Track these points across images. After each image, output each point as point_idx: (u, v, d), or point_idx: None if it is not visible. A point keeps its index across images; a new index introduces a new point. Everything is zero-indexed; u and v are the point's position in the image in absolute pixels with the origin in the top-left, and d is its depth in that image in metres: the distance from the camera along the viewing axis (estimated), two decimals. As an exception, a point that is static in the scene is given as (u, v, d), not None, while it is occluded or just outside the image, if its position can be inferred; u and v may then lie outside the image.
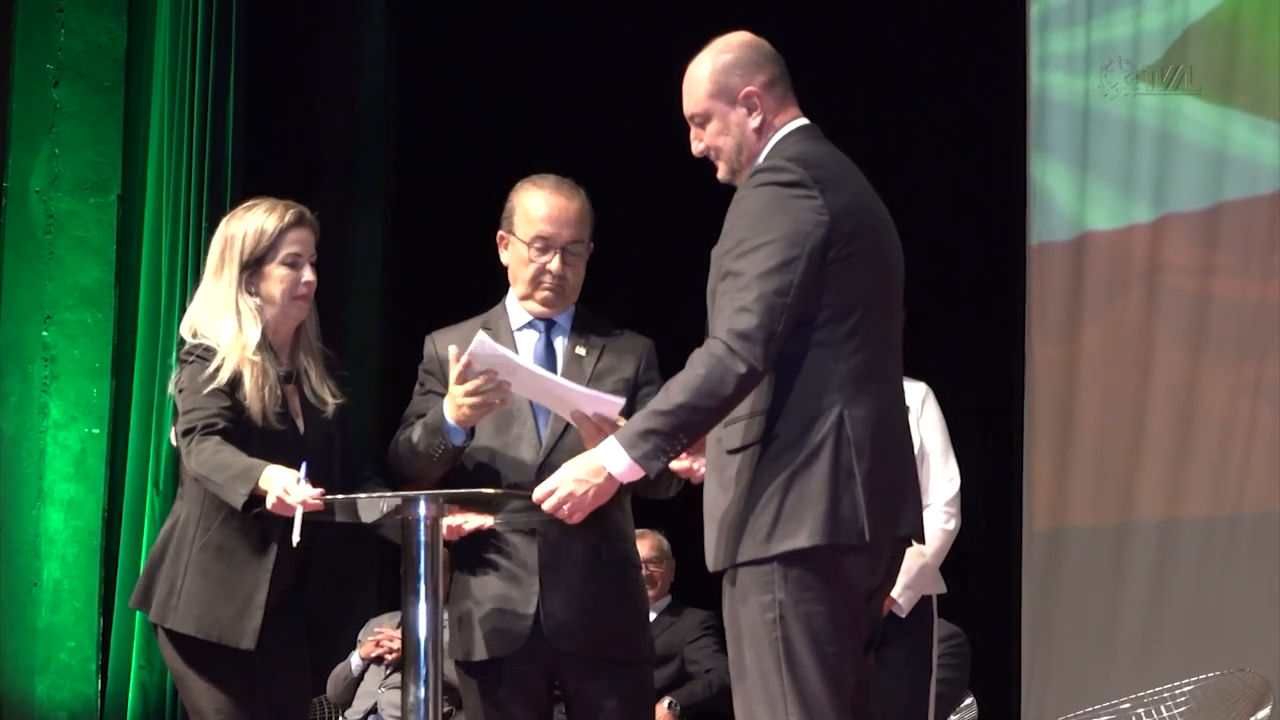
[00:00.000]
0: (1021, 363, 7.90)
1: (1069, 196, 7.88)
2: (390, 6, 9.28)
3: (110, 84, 8.57)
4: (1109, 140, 7.75)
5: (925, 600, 5.52)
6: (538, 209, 4.49)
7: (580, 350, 4.51)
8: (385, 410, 8.93)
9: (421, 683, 4.27)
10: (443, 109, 9.59)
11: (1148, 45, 7.66)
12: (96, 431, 8.20)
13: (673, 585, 7.50)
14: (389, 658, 7.65)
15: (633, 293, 7.94)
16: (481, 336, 4.26)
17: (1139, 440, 7.53)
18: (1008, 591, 7.94)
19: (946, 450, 5.52)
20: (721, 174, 4.03)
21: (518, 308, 4.56)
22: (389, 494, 4.40)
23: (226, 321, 4.47)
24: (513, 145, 9.11)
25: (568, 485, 3.90)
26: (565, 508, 3.90)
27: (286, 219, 4.49)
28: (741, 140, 3.99)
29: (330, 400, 4.56)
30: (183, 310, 8.11)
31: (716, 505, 3.84)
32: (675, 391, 3.76)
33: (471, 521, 4.40)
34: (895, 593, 5.28)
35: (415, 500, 4.24)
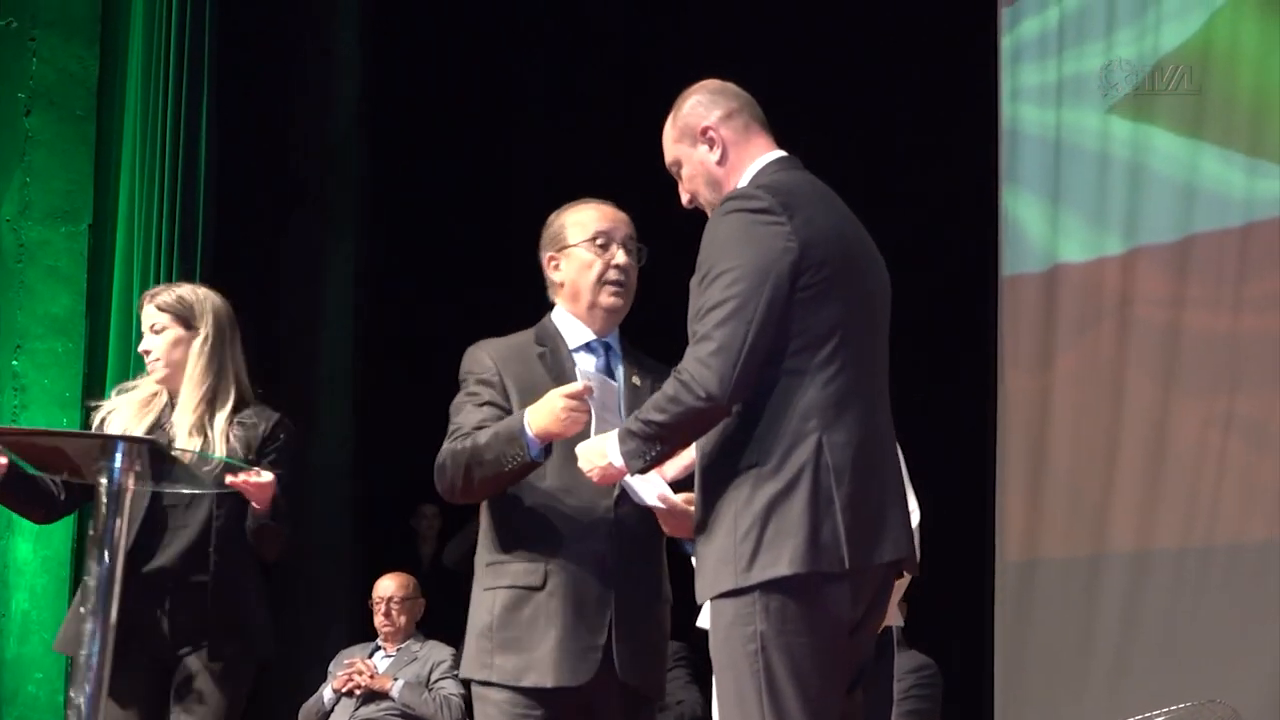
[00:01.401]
0: (993, 393, 7.92)
1: (1040, 228, 7.91)
2: (363, 34, 9.30)
3: (82, 113, 8.55)
4: (1080, 172, 7.78)
5: (885, 632, 5.52)
6: (589, 214, 4.52)
7: (636, 380, 4.48)
8: (358, 430, 8.95)
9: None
10: (416, 136, 9.61)
11: (1111, 94, 7.68)
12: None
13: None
14: (358, 692, 7.65)
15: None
16: (586, 368, 4.26)
17: (1110, 471, 7.54)
18: (980, 622, 7.95)
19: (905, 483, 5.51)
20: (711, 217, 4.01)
21: (575, 327, 4.50)
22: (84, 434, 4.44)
23: None
24: (486, 174, 9.13)
25: (581, 460, 4.00)
26: (587, 473, 3.98)
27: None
28: (709, 177, 4.04)
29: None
30: (153, 339, 8.16)
31: (703, 536, 3.85)
32: (649, 407, 3.84)
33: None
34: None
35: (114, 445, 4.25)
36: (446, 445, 4.35)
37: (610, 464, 3.92)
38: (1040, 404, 7.78)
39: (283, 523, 4.90)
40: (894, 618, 5.60)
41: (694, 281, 3.87)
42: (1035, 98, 7.94)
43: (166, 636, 4.91)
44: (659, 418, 3.80)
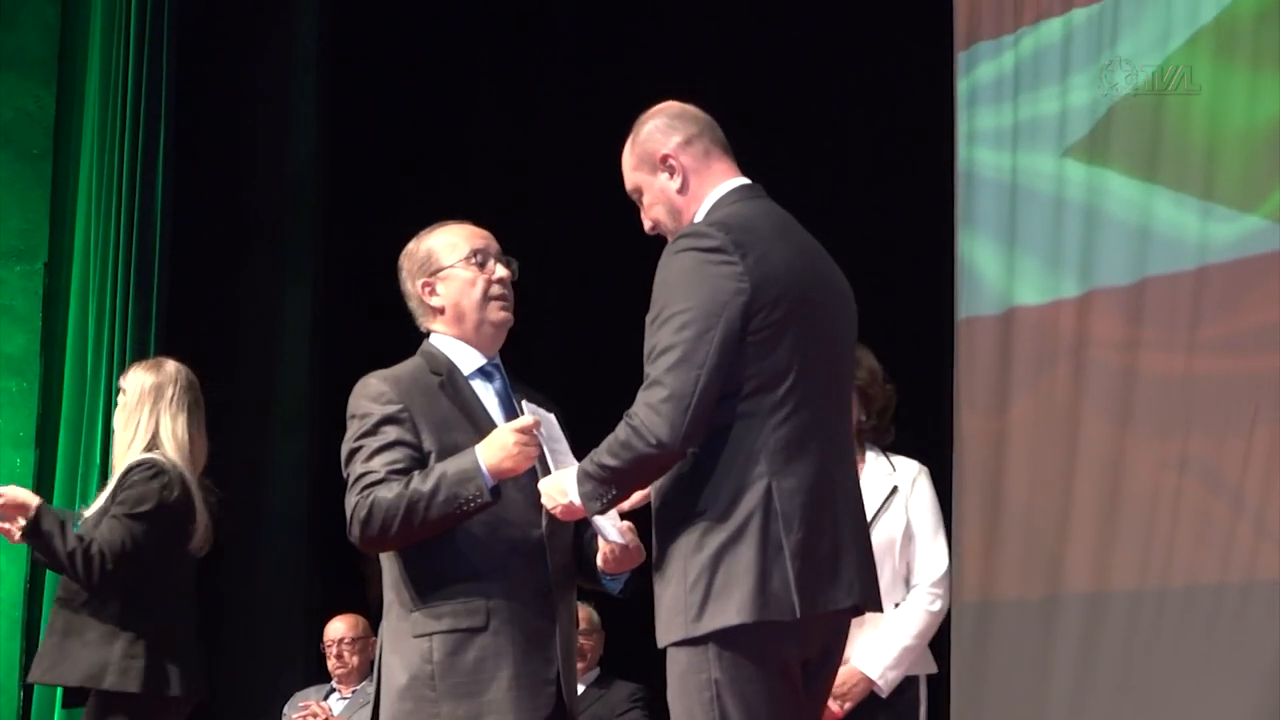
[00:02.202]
0: (949, 436, 7.93)
1: (996, 271, 7.90)
2: (321, 74, 9.31)
3: (38, 152, 8.56)
4: (1036, 215, 7.77)
5: (910, 681, 5.49)
6: (458, 234, 4.49)
7: (525, 403, 4.40)
8: (316, 477, 8.90)
9: None
10: (374, 177, 9.61)
11: (1074, 122, 7.69)
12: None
13: (601, 658, 7.48)
14: (316, 733, 7.62)
15: (565, 354, 7.97)
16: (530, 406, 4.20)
17: (1066, 513, 7.51)
18: (937, 662, 7.94)
19: (936, 530, 5.51)
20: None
21: (462, 351, 4.43)
22: None
23: None
24: (448, 211, 9.12)
25: (544, 496, 3.98)
26: (550, 509, 3.98)
27: None
28: (669, 205, 4.01)
29: None
30: (109, 380, 8.14)
31: (658, 580, 3.88)
32: (603, 450, 3.83)
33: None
34: (875, 674, 5.25)
35: None
36: (361, 493, 4.19)
37: (571, 502, 3.87)
38: (996, 446, 7.75)
39: (34, 540, 5.28)
40: (925, 665, 5.56)
41: (648, 319, 3.85)
42: (991, 141, 7.94)
43: None
44: (611, 462, 3.76)
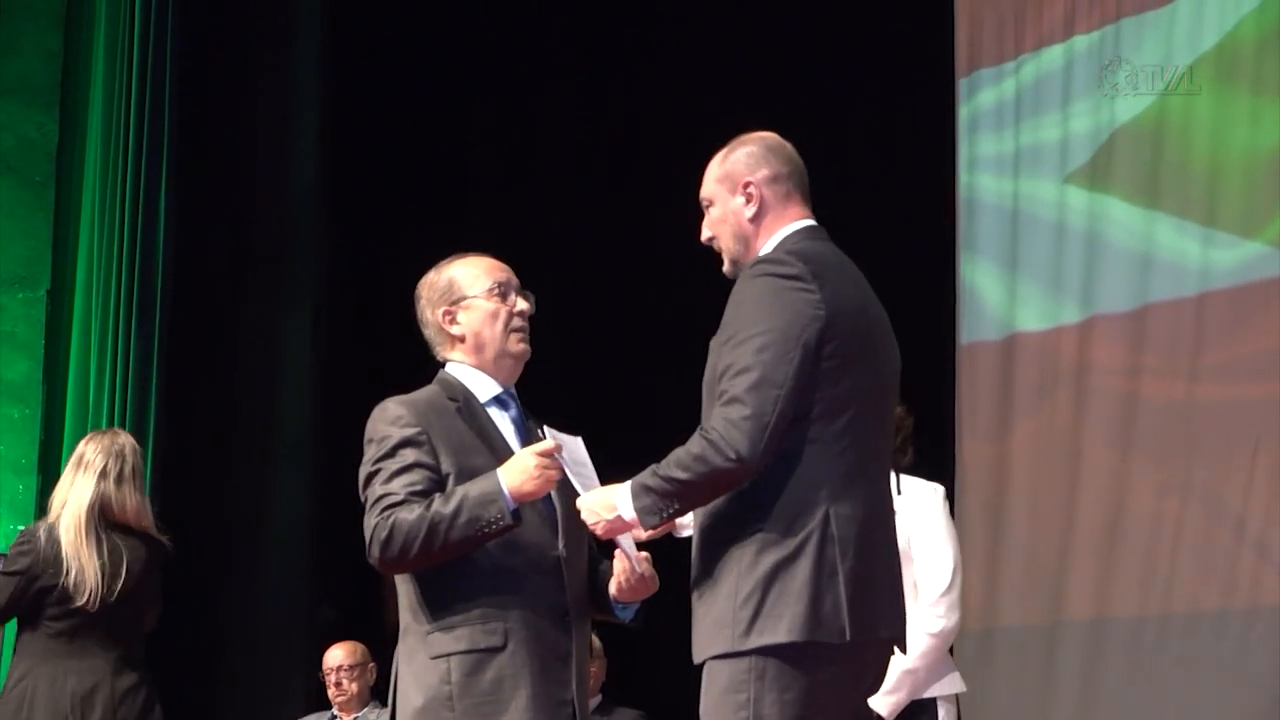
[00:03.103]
0: (952, 461, 7.93)
1: (998, 297, 7.94)
2: (322, 102, 9.30)
3: (41, 179, 8.56)
4: (1037, 242, 7.80)
5: (925, 705, 5.44)
6: (481, 266, 4.49)
7: (540, 433, 4.37)
8: (318, 504, 8.90)
9: None
10: (375, 204, 9.61)
11: (1075, 149, 7.71)
12: (21, 528, 8.12)
13: (604, 684, 7.48)
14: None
15: (567, 384, 7.96)
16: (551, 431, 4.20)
17: (1068, 539, 7.53)
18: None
19: (938, 549, 5.43)
20: (726, 266, 4.07)
21: (479, 380, 4.44)
22: None
23: None
24: (449, 238, 9.11)
25: (586, 512, 3.96)
26: (591, 526, 3.97)
27: None
28: (737, 229, 4.03)
29: None
30: (111, 407, 8.15)
31: (700, 597, 3.85)
32: (672, 463, 3.79)
33: None
34: (874, 699, 5.24)
35: None
36: (381, 514, 4.18)
37: (619, 517, 3.89)
38: (998, 472, 7.78)
39: None
40: (952, 685, 5.51)
41: (715, 342, 3.88)
42: (993, 168, 7.99)
43: None
44: (682, 475, 3.76)
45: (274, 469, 9.14)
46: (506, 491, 4.11)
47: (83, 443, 6.24)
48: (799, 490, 3.77)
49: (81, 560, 5.91)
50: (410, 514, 4.14)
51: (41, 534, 5.99)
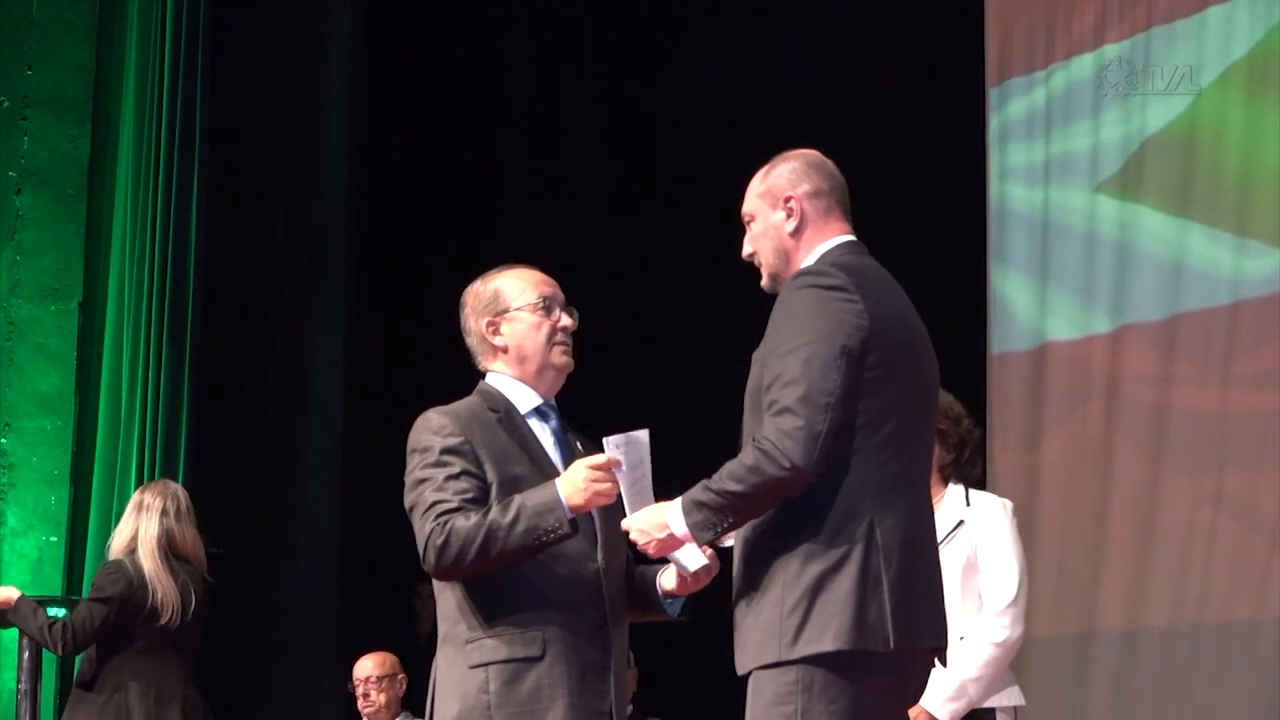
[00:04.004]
0: (982, 472, 7.88)
1: (1029, 307, 7.92)
2: (354, 110, 9.32)
3: (73, 191, 8.59)
4: (1068, 251, 7.79)
5: (984, 714, 5.42)
6: (528, 278, 4.51)
7: (579, 445, 4.45)
8: (349, 514, 8.90)
9: None
10: (407, 214, 9.63)
11: (1106, 157, 7.70)
12: (54, 539, 8.17)
13: (635, 694, 7.47)
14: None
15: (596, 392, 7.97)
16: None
17: (1100, 549, 7.51)
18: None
19: (1005, 560, 5.42)
20: (764, 281, 4.10)
21: (520, 391, 4.45)
22: None
23: None
24: (478, 250, 9.14)
25: (635, 532, 3.99)
26: (641, 546, 3.99)
27: None
28: (778, 243, 4.05)
29: None
30: (143, 418, 8.18)
31: (745, 608, 3.88)
32: (725, 476, 3.82)
33: None
34: (934, 706, 5.22)
35: None
36: (436, 520, 4.20)
37: (671, 535, 3.91)
38: (1029, 482, 7.76)
39: (14, 621, 6.92)
40: (1010, 697, 5.49)
41: (758, 354, 3.92)
42: (1023, 177, 7.97)
43: None
44: (736, 488, 3.79)
45: (306, 479, 9.16)
46: (564, 500, 4.13)
47: (138, 492, 7.07)
48: (844, 500, 3.79)
49: (163, 584, 6.81)
50: (467, 521, 4.17)
51: (128, 564, 6.82)
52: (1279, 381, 7.09)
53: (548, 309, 4.46)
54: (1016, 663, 7.57)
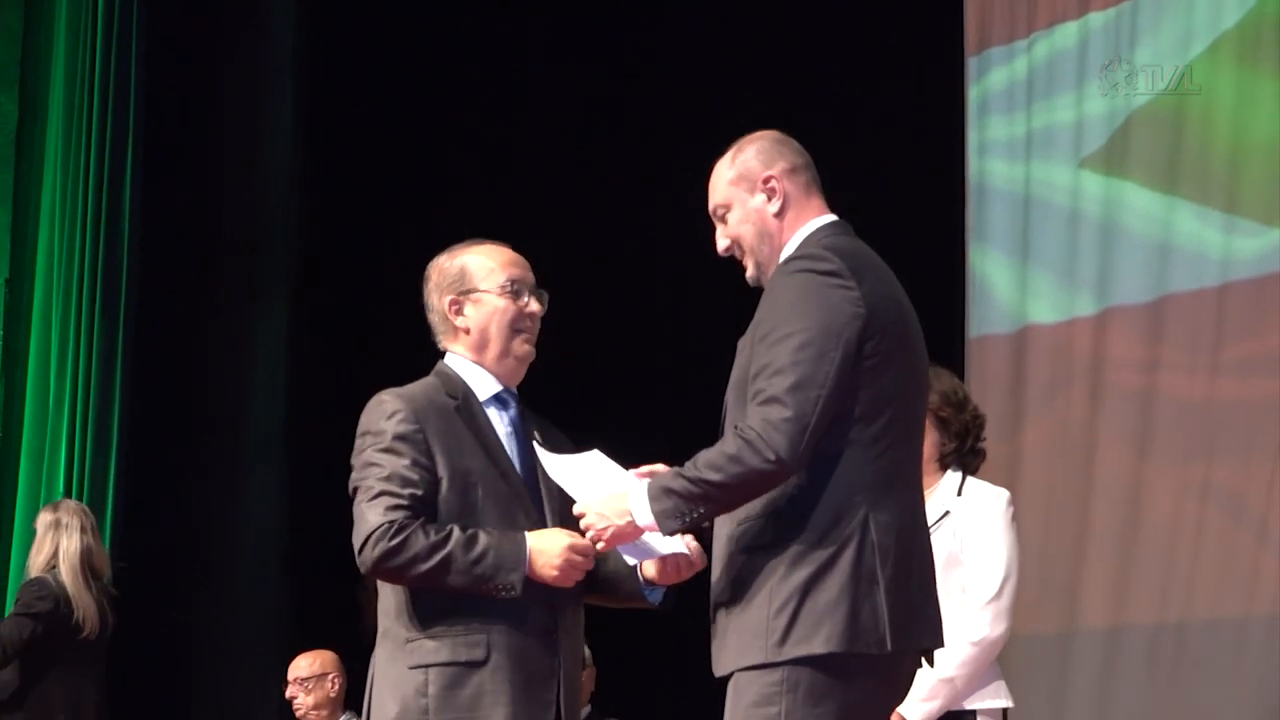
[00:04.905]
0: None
1: (1009, 288, 7.92)
2: (298, 81, 9.29)
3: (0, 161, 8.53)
4: (1050, 230, 7.79)
5: (964, 715, 5.41)
6: (495, 257, 4.42)
7: (537, 435, 4.39)
8: (292, 507, 8.86)
9: None
10: (356, 188, 9.58)
11: (1090, 132, 7.70)
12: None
13: (593, 694, 7.47)
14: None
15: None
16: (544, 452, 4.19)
17: (1082, 543, 7.51)
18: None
19: (989, 554, 5.38)
20: (749, 273, 4.04)
21: (479, 376, 4.41)
22: None
23: None
24: (432, 226, 9.08)
25: (592, 516, 3.93)
26: (595, 533, 3.94)
27: None
28: (761, 228, 4.00)
29: None
30: (73, 400, 8.14)
31: (728, 607, 3.83)
32: (702, 464, 3.75)
33: None
34: (905, 708, 5.21)
35: None
36: (388, 517, 4.14)
37: (632, 522, 3.85)
38: (1008, 472, 7.62)
39: None
40: (994, 696, 5.47)
41: (745, 341, 3.88)
42: (1004, 152, 7.98)
43: None
44: (714, 477, 3.73)
45: (247, 468, 9.16)
46: (529, 565, 4.13)
47: (48, 511, 7.43)
48: (836, 494, 3.75)
49: (82, 600, 7.25)
50: (426, 539, 4.14)
51: (50, 580, 7.23)
52: (1269, 367, 7.10)
53: (516, 293, 4.39)
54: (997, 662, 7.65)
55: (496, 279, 4.38)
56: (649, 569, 4.25)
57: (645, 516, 3.83)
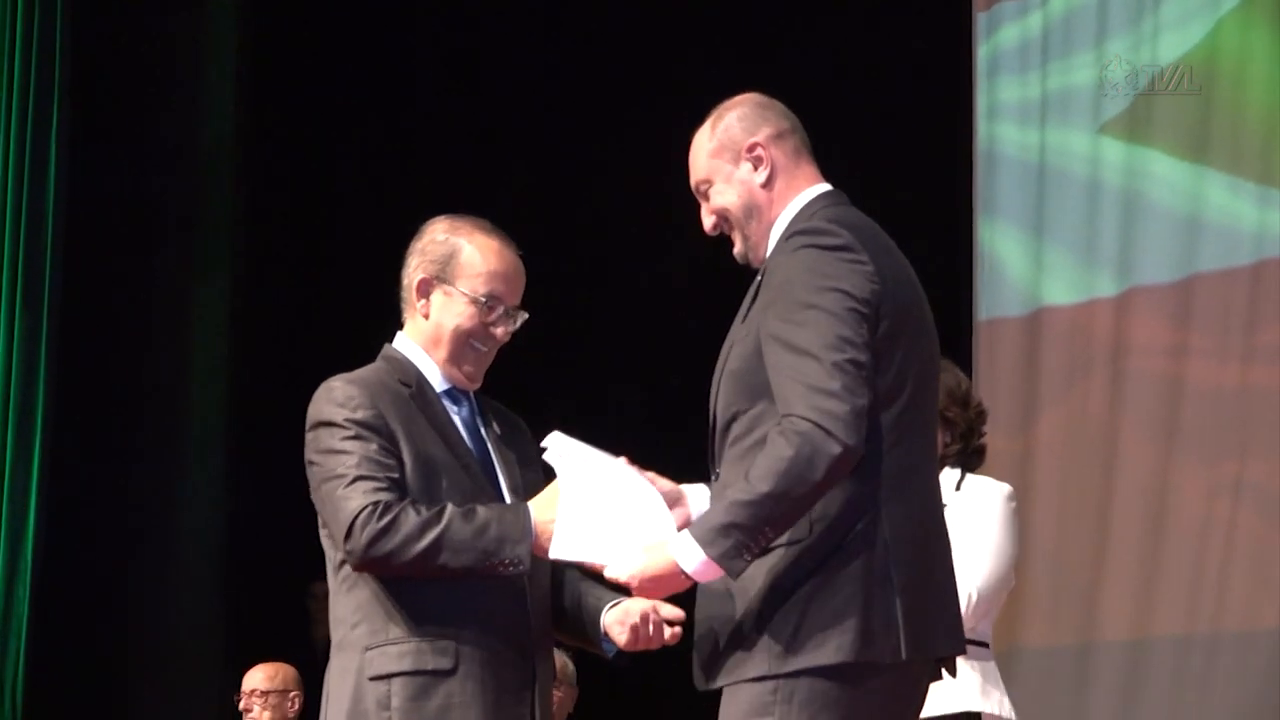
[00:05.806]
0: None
1: (1022, 266, 7.90)
2: (242, 39, 9.31)
3: (-92, 124, 8.48)
4: (1068, 202, 7.77)
5: (970, 716, 5.33)
6: (488, 261, 4.27)
7: (497, 429, 4.33)
8: (234, 502, 8.84)
9: None
10: (297, 159, 9.55)
11: (1111, 95, 7.69)
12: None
13: (570, 715, 7.43)
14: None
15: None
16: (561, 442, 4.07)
17: (1102, 547, 7.51)
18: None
19: (980, 553, 5.28)
20: (736, 248, 3.93)
21: (433, 369, 4.31)
22: None
23: None
24: (383, 198, 9.07)
25: (627, 576, 3.79)
26: (647, 594, 3.84)
27: None
28: (749, 200, 3.89)
29: None
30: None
31: (721, 614, 3.72)
32: (758, 479, 3.58)
33: None
34: None
35: None
36: (371, 498, 4.07)
37: (679, 574, 3.69)
38: (1020, 469, 7.66)
39: None
40: (1002, 709, 5.39)
41: (742, 329, 3.80)
42: (1015, 116, 7.95)
43: None
44: (776, 487, 3.58)
45: (184, 461, 9.10)
46: (536, 532, 4.04)
47: None
48: (846, 487, 3.64)
49: None
50: (418, 515, 4.08)
51: None
52: (1307, 355, 7.05)
53: (489, 308, 4.24)
54: (1005, 677, 7.56)
55: (476, 285, 4.26)
56: (616, 632, 4.18)
57: (695, 563, 3.66)
